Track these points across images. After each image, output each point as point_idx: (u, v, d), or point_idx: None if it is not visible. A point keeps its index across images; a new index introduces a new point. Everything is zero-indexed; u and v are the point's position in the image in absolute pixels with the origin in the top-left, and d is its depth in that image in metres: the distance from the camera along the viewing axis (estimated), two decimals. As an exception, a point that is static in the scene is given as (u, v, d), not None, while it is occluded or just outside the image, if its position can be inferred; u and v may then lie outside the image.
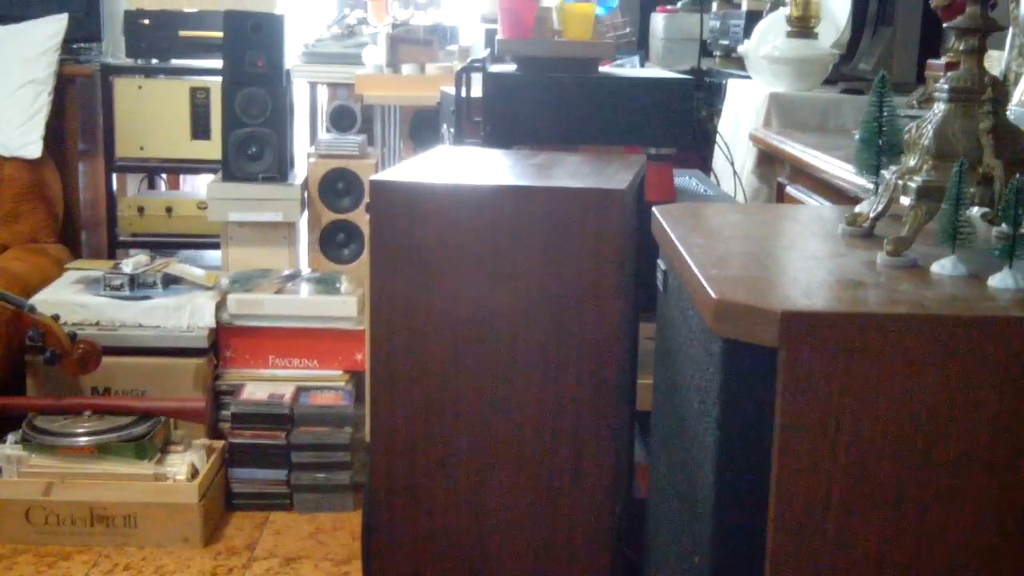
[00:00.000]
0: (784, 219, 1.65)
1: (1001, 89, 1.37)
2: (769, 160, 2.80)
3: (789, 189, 2.62)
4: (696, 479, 1.32)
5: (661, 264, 1.58)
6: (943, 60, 2.64)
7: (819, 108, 2.84)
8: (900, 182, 1.40)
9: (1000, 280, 1.22)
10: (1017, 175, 1.26)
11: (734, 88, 3.24)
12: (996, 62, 2.34)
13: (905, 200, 1.38)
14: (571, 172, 2.02)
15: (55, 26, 3.78)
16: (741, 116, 3.07)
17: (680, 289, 1.41)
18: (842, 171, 2.15)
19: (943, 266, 1.28)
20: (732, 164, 2.92)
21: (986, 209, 1.34)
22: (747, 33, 3.22)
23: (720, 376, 1.21)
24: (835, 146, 2.41)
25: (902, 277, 1.26)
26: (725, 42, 3.64)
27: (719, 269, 1.28)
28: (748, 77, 3.17)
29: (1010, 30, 2.24)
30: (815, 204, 2.41)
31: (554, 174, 1.99)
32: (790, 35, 2.90)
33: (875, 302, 1.18)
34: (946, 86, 1.39)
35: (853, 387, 1.13)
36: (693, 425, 1.34)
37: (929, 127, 1.39)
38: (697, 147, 3.18)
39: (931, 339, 1.12)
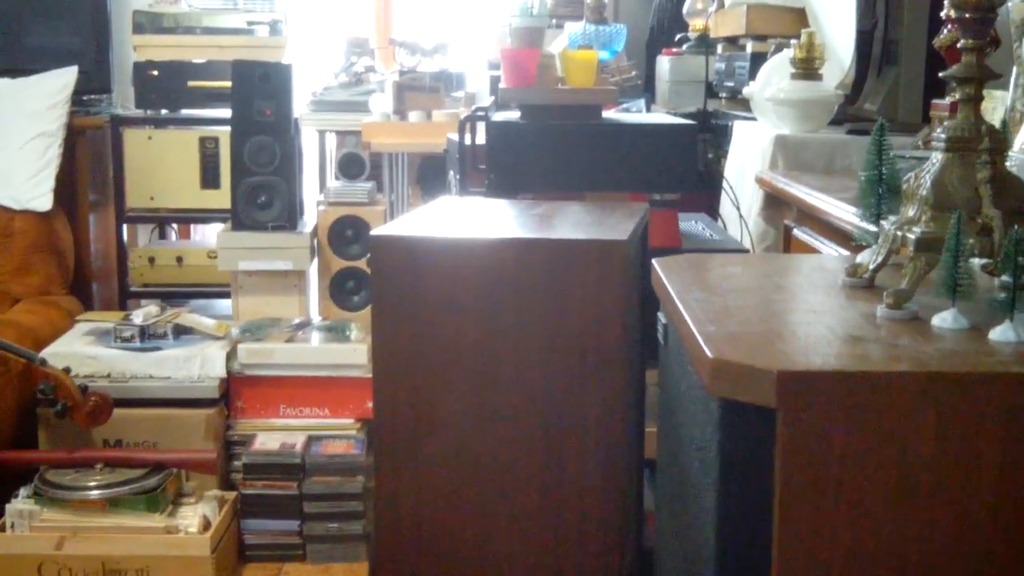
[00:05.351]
0: (785, 270, 1.65)
1: (999, 138, 1.37)
2: (776, 203, 2.79)
3: (796, 232, 2.61)
4: (697, 537, 1.30)
5: (662, 317, 1.57)
6: (948, 100, 2.63)
7: (825, 150, 2.83)
8: (899, 233, 1.39)
9: (1001, 333, 1.20)
10: (1016, 225, 1.25)
11: (740, 130, 3.24)
12: (1000, 102, 2.34)
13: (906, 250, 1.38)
14: (573, 222, 2.02)
15: (65, 79, 3.81)
16: (747, 158, 3.07)
17: (680, 344, 1.40)
18: (849, 215, 2.14)
19: (943, 319, 1.26)
20: (738, 207, 2.91)
21: (986, 260, 1.33)
22: (752, 75, 3.22)
23: (719, 435, 1.20)
24: (841, 188, 2.40)
25: (902, 331, 1.25)
26: (730, 84, 3.64)
27: (717, 326, 1.27)
28: (754, 119, 3.17)
29: (1014, 69, 2.24)
30: (822, 247, 2.40)
31: (556, 224, 1.98)
32: (795, 77, 2.90)
33: (875, 359, 1.17)
34: (943, 135, 1.39)
35: (853, 446, 1.11)
36: (694, 483, 1.33)
37: (927, 177, 1.38)
38: (703, 190, 3.18)
39: (931, 396, 1.10)
